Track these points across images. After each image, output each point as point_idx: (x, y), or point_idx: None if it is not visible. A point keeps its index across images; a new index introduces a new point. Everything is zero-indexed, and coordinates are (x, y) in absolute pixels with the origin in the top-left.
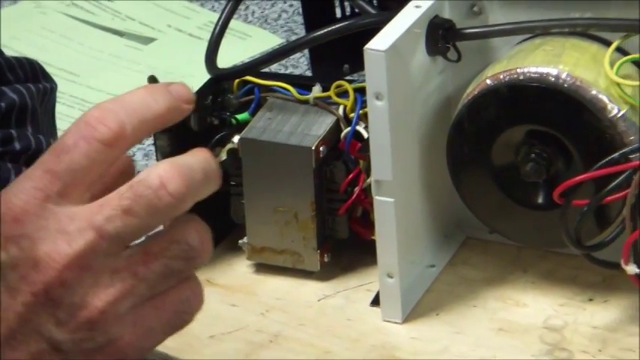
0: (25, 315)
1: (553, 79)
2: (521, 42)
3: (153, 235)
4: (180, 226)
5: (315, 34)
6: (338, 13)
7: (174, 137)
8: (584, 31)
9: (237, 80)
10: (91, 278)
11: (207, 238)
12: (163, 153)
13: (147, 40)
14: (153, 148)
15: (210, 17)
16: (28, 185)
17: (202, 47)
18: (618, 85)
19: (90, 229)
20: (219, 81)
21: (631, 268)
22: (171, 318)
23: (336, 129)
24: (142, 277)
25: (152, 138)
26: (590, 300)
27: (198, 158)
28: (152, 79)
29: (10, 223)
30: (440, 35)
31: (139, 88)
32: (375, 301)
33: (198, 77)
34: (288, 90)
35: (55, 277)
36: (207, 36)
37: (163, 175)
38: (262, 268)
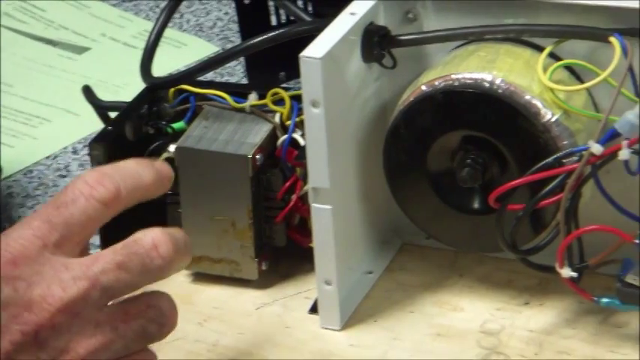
0: (10, 353)
1: (487, 85)
2: (455, 48)
3: (130, 298)
4: (154, 293)
5: (250, 42)
6: (273, 20)
7: (110, 147)
8: (517, 37)
9: (172, 89)
10: (78, 326)
11: (175, 308)
12: (99, 162)
13: (81, 50)
14: (88, 157)
15: (144, 26)
16: (27, 232)
17: (137, 56)
18: (551, 90)
19: (85, 279)
20: (155, 90)
21: (565, 272)
22: None
23: (272, 137)
24: (122, 333)
25: (87, 148)
26: (526, 304)
27: (181, 233)
28: (86, 89)
29: (7, 265)
30: (375, 42)
31: (130, 161)
32: (314, 309)
33: (133, 86)
34: (224, 98)
35: (47, 320)
36: (142, 45)
37: (155, 238)
38: (200, 277)
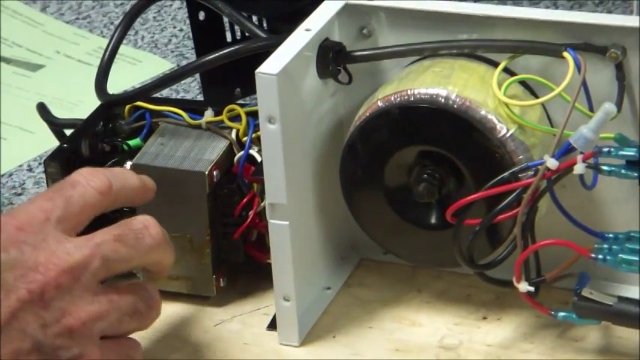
0: (16, 312)
1: (443, 100)
2: (411, 64)
3: (123, 281)
4: (144, 281)
5: (205, 59)
6: (228, 37)
7: (65, 164)
8: (471, 52)
9: (128, 106)
10: (79, 290)
11: (160, 298)
12: (54, 180)
13: (35, 67)
14: (43, 175)
15: (99, 43)
16: (31, 207)
17: (92, 73)
18: (506, 105)
19: (86, 247)
20: (110, 107)
21: (523, 286)
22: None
23: (229, 153)
24: (116, 306)
25: (42, 165)
26: (484, 318)
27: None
28: (41, 107)
29: (14, 230)
30: (330, 58)
31: (118, 168)
32: (272, 325)
33: (88, 103)
34: (180, 115)
35: (53, 279)
36: (96, 62)
37: (145, 221)
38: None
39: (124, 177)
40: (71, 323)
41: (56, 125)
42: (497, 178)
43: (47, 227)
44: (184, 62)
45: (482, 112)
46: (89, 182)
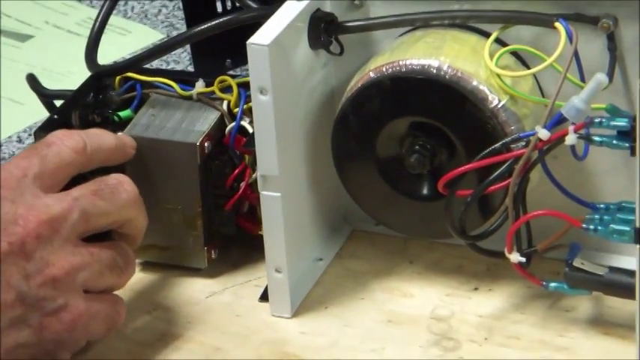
0: None
1: (434, 71)
2: (402, 34)
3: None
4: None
5: (196, 30)
6: (219, 7)
7: None
8: (463, 22)
9: (118, 77)
10: (59, 241)
11: (134, 255)
12: None
13: (24, 38)
14: None
15: (88, 13)
16: (7, 166)
17: (82, 44)
18: (498, 75)
19: (65, 200)
20: (100, 78)
21: (514, 257)
22: (107, 317)
23: (220, 124)
24: (97, 258)
25: (33, 137)
26: (476, 289)
27: None
28: (31, 77)
29: None
30: (322, 29)
31: (93, 129)
32: (264, 297)
33: (78, 74)
34: (170, 86)
35: (32, 230)
36: (86, 32)
37: (119, 177)
38: (148, 266)
39: (99, 137)
40: (54, 273)
41: (46, 96)
42: (488, 149)
43: (24, 183)
44: (175, 33)
45: (474, 83)
46: (63, 142)
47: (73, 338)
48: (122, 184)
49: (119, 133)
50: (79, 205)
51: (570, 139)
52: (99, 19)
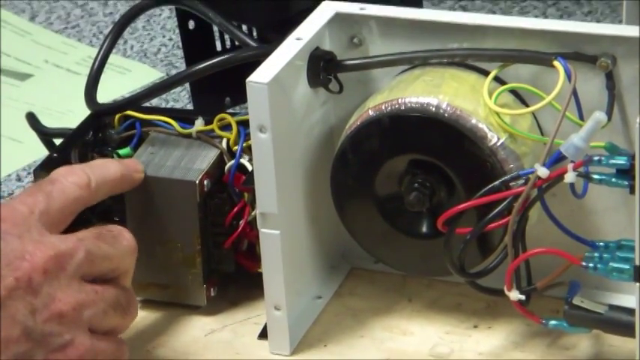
0: (4, 300)
1: (434, 109)
2: (401, 73)
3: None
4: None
5: (195, 68)
6: (218, 46)
7: None
8: (462, 61)
9: (118, 115)
10: (65, 279)
11: (136, 299)
12: None
13: (24, 76)
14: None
15: (88, 52)
16: (14, 202)
17: (81, 82)
18: (497, 113)
19: (71, 240)
20: (100, 116)
21: (514, 295)
22: (111, 356)
23: (219, 162)
24: (101, 297)
25: (32, 175)
26: (475, 327)
27: None
28: (30, 116)
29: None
30: (321, 67)
31: (97, 160)
32: (263, 334)
33: (77, 113)
34: (170, 124)
35: (39, 265)
36: (85, 71)
37: (119, 228)
38: (148, 303)
39: (103, 168)
40: (61, 308)
41: (45, 135)
42: (488, 187)
43: (31, 220)
44: (174, 71)
45: (473, 121)
46: (67, 179)
47: None
48: (122, 233)
49: (125, 159)
50: (84, 245)
51: (569, 177)
52: (98, 58)
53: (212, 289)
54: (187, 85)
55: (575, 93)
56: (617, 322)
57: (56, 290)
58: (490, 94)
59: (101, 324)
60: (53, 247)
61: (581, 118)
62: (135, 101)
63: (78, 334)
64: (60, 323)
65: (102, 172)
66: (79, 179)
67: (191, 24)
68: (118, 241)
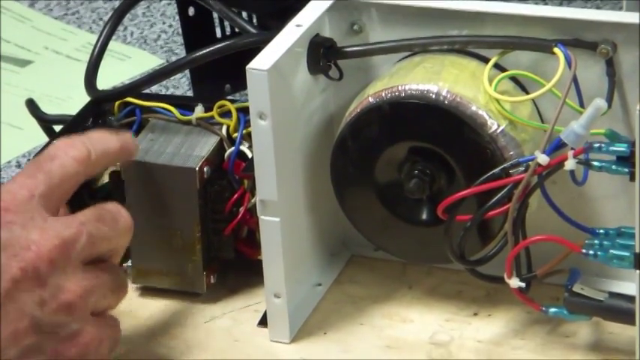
0: (11, 292)
1: (433, 96)
2: (401, 60)
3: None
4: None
5: (195, 55)
6: (218, 32)
7: None
8: (462, 48)
9: (117, 102)
10: (71, 267)
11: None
12: None
13: (23, 63)
14: None
15: (88, 39)
16: (13, 185)
17: (81, 69)
18: (497, 100)
19: (74, 225)
20: (100, 103)
21: (514, 282)
22: (111, 339)
23: (219, 149)
24: (101, 281)
25: None
26: (475, 314)
27: None
28: (30, 103)
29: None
30: (321, 54)
31: (96, 132)
32: (263, 322)
33: (77, 99)
34: (170, 111)
35: (45, 255)
36: (85, 58)
37: (116, 206)
38: (148, 291)
39: (103, 141)
40: (68, 298)
41: (45, 121)
42: (488, 174)
43: (32, 205)
44: (174, 58)
45: (473, 108)
46: (67, 153)
47: None
48: (120, 211)
49: (121, 133)
50: (86, 229)
51: (570, 164)
52: (98, 45)
53: (212, 277)
54: (187, 71)
55: (575, 80)
56: (617, 310)
57: (63, 280)
58: (490, 81)
59: (100, 307)
60: (58, 234)
61: (582, 105)
62: (135, 88)
63: (85, 321)
64: (68, 313)
65: (101, 145)
66: (79, 153)
67: (191, 10)
68: (117, 222)
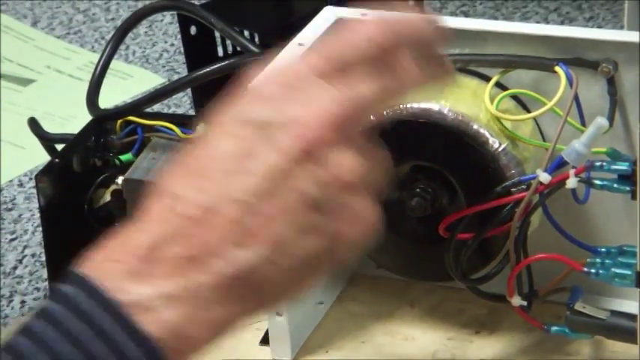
0: (289, 170)
1: (436, 115)
2: None
3: None
4: None
5: (197, 74)
6: (220, 51)
7: (57, 179)
8: (463, 66)
9: (119, 121)
10: (347, 143)
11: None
12: (46, 195)
13: (26, 82)
14: (34, 190)
15: (90, 58)
16: (297, 63)
17: (83, 88)
18: (498, 119)
19: (346, 97)
20: (102, 122)
21: (516, 300)
22: (360, 231)
23: None
24: (374, 158)
25: (34, 180)
26: (477, 333)
27: None
28: (32, 121)
29: (279, 88)
30: None
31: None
32: (265, 340)
33: (79, 118)
34: (171, 129)
35: (323, 134)
36: (87, 76)
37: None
38: None
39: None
40: (346, 177)
41: (47, 140)
42: (489, 193)
43: (311, 80)
44: (176, 77)
45: (475, 127)
46: (360, 29)
47: (360, 244)
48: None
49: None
50: (357, 101)
51: (571, 182)
52: (100, 64)
53: None
54: (189, 90)
55: (576, 98)
56: (619, 328)
57: (340, 158)
58: (492, 100)
59: (374, 187)
60: (335, 111)
61: (583, 123)
62: (137, 107)
63: (365, 201)
64: (348, 192)
65: (399, 25)
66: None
67: (193, 29)
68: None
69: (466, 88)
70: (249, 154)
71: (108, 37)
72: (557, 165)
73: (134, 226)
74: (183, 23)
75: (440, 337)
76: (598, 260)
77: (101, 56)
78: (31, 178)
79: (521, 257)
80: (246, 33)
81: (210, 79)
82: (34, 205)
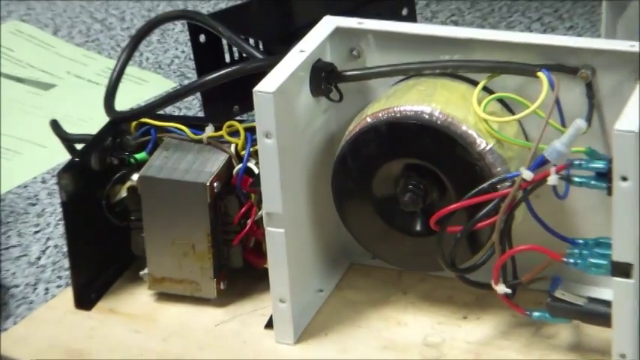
0: None
1: (427, 117)
2: (397, 82)
3: None
4: None
5: (206, 79)
6: (227, 58)
7: (77, 176)
8: (453, 72)
9: (134, 122)
10: None
11: None
12: (67, 191)
13: (47, 86)
14: (56, 187)
15: (107, 64)
16: None
17: (101, 92)
18: (485, 121)
19: None
20: (118, 123)
21: (501, 288)
22: None
23: (228, 166)
24: None
25: (56, 177)
26: (465, 318)
27: None
28: (54, 123)
29: None
30: (323, 77)
31: None
32: (269, 325)
33: (97, 120)
34: (182, 130)
35: None
36: (105, 81)
37: None
38: (163, 296)
39: None
40: None
41: (68, 140)
42: (477, 189)
43: None
44: (186, 82)
45: (464, 128)
46: None
47: None
48: None
49: None
50: None
51: (552, 179)
52: (116, 70)
53: (222, 283)
54: (199, 94)
55: (557, 102)
56: (596, 314)
57: None
58: (479, 103)
59: None
60: None
61: (564, 125)
62: (150, 109)
63: None
64: None
65: None
66: None
67: (202, 37)
68: None
69: (455, 91)
70: None
71: (123, 44)
72: (540, 163)
73: None
74: (193, 32)
75: (430, 321)
76: (576, 251)
77: (117, 62)
78: (53, 176)
79: (506, 248)
80: (251, 41)
81: (218, 84)
82: (56, 200)
